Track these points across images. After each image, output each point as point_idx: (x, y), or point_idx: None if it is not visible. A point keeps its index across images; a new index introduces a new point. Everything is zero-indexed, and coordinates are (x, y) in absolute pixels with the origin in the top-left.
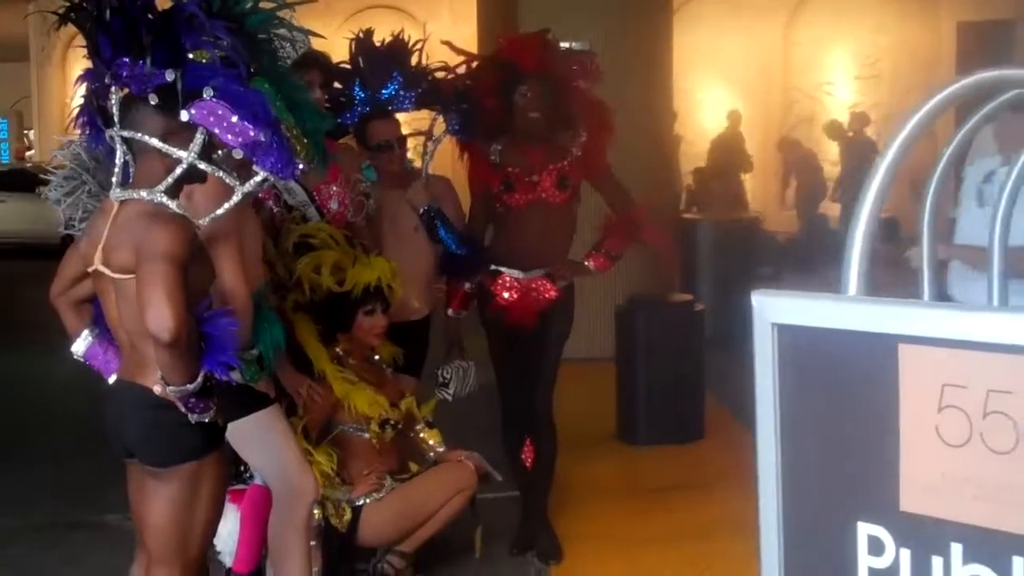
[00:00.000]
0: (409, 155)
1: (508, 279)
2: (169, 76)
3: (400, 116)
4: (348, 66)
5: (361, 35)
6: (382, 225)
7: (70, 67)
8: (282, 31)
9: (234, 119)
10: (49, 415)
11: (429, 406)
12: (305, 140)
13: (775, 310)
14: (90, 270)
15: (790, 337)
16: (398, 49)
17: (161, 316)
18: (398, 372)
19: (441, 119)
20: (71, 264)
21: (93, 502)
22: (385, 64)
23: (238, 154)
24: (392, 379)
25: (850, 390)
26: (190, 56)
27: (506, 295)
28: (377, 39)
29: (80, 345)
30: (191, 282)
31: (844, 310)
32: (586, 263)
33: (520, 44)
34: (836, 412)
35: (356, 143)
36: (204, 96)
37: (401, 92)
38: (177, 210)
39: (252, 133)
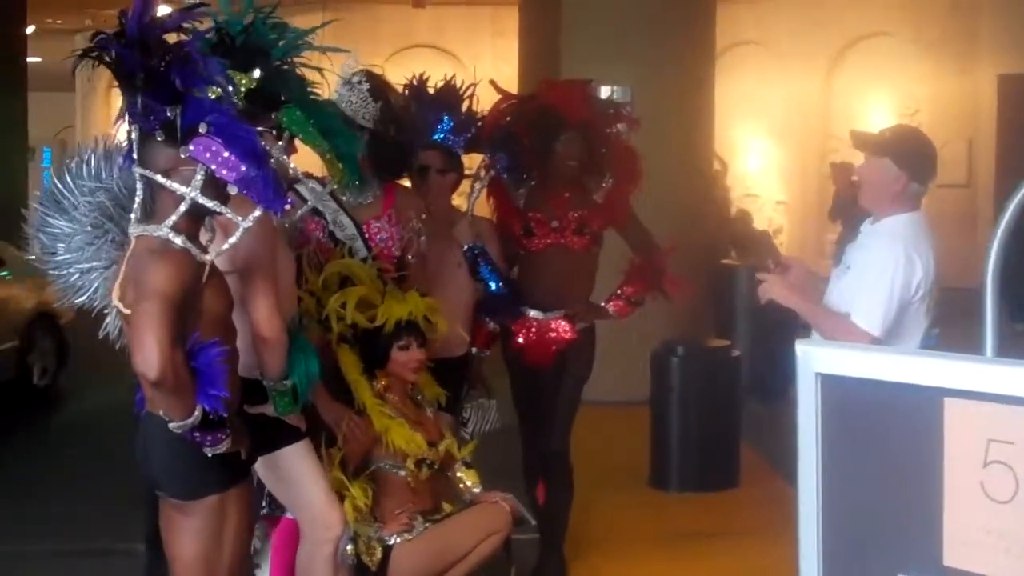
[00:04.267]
0: (455, 200)
1: (527, 319)
2: (169, 113)
3: None
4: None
5: (415, 82)
6: (428, 261)
7: (114, 99)
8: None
9: (226, 154)
10: (70, 443)
11: (469, 447)
12: (340, 165)
13: (819, 360)
14: (111, 306)
15: (834, 387)
16: (450, 95)
17: (146, 355)
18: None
19: (489, 160)
20: None
21: (107, 531)
22: (436, 110)
23: (232, 189)
24: (432, 419)
25: (894, 442)
26: (191, 92)
27: (524, 335)
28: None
29: None
30: (196, 315)
31: (889, 362)
32: (606, 306)
33: (563, 92)
34: (879, 464)
35: (410, 178)
36: (200, 131)
37: (451, 136)
38: (181, 244)
39: (244, 168)
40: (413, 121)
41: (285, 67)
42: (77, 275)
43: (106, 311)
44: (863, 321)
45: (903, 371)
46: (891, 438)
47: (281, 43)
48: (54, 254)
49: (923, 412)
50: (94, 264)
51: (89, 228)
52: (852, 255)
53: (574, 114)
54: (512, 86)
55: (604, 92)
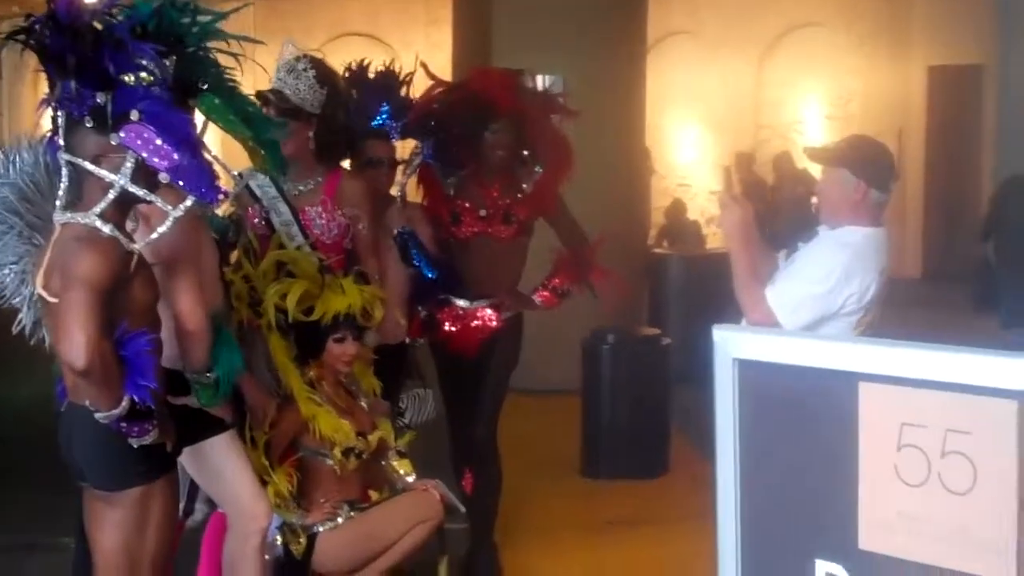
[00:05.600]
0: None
1: (453, 308)
2: (100, 99)
3: None
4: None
5: (355, 67)
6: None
7: (42, 86)
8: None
9: (159, 142)
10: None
11: (406, 437)
12: (262, 152)
13: (737, 345)
14: (35, 295)
15: (751, 373)
16: (389, 81)
17: (74, 344)
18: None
19: (419, 147)
20: None
21: (51, 525)
22: (376, 96)
23: (164, 177)
24: (365, 409)
25: (811, 427)
26: (121, 78)
27: (449, 323)
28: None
29: None
30: (123, 305)
31: (806, 347)
32: (533, 297)
33: (494, 81)
34: (796, 448)
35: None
36: (132, 118)
37: (390, 122)
38: (109, 233)
39: (176, 156)
40: (357, 106)
41: (201, 53)
42: None
43: (15, 304)
44: (774, 303)
45: (820, 356)
46: (808, 423)
47: (195, 29)
48: None
49: (839, 397)
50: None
51: None
52: (803, 251)
53: (504, 103)
54: (446, 75)
55: (539, 82)
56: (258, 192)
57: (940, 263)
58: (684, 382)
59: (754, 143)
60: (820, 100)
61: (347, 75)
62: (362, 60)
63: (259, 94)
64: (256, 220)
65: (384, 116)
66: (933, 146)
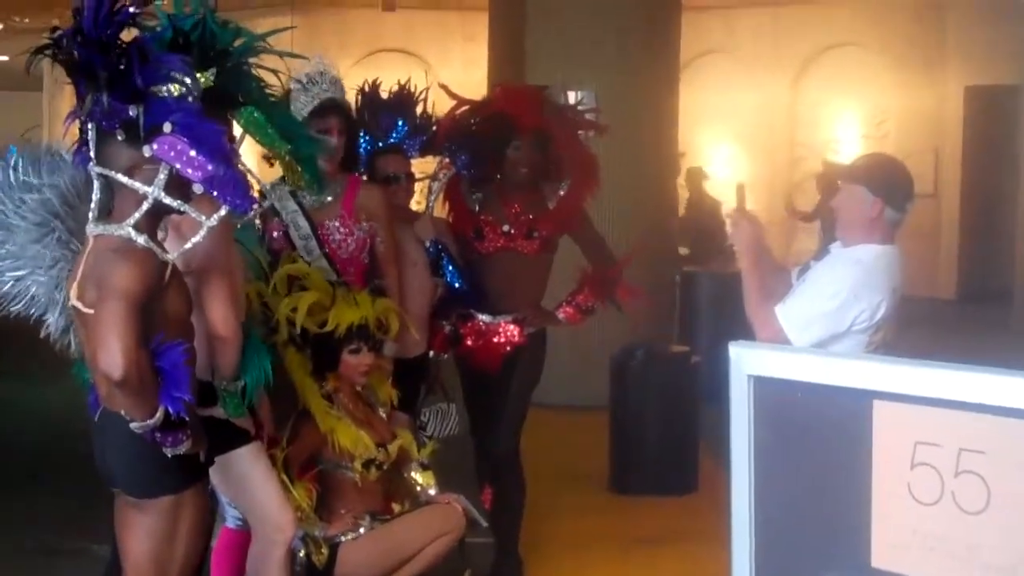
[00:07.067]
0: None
1: (475, 322)
2: (132, 112)
3: None
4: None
5: (367, 87)
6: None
7: None
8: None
9: (192, 153)
10: (44, 442)
11: (428, 449)
12: (299, 168)
13: (752, 362)
14: (69, 304)
15: (766, 389)
16: (403, 99)
17: (111, 355)
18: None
19: (447, 161)
20: None
21: (80, 530)
22: (390, 115)
23: (198, 188)
24: (383, 421)
25: (824, 444)
26: (151, 90)
27: (471, 339)
28: (386, 86)
29: None
30: (159, 315)
31: (821, 364)
32: (557, 313)
33: (516, 98)
34: (810, 465)
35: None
36: (164, 130)
37: (406, 140)
38: (144, 244)
39: (210, 167)
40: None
41: (243, 67)
42: (10, 283)
43: (44, 317)
44: (784, 320)
45: (834, 374)
46: (822, 440)
47: (238, 43)
48: None
49: (853, 414)
50: (26, 272)
51: (34, 226)
52: (814, 269)
53: (527, 120)
54: (482, 91)
55: (571, 98)
56: (277, 206)
57: (975, 285)
58: (713, 400)
59: (789, 161)
60: (855, 119)
61: (360, 95)
62: (375, 79)
63: (331, 104)
64: (275, 234)
65: (401, 133)
66: (969, 166)
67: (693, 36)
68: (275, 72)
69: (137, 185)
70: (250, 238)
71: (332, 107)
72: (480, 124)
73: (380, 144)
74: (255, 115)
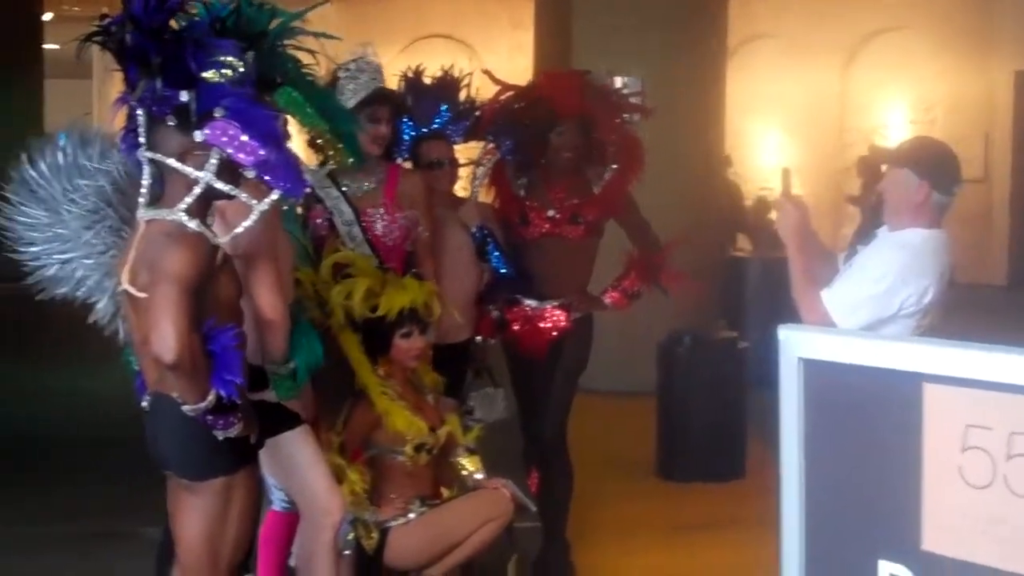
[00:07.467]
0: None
1: (522, 308)
2: (183, 97)
3: None
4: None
5: (410, 73)
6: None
7: None
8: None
9: (244, 138)
10: (93, 428)
11: (473, 433)
12: (340, 145)
13: (801, 344)
14: (119, 289)
15: (816, 372)
16: (447, 85)
17: (164, 338)
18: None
19: (491, 147)
20: None
21: (131, 514)
22: (434, 100)
23: (250, 173)
24: (432, 406)
25: (874, 427)
26: (204, 76)
27: (517, 324)
28: (430, 72)
29: None
30: (210, 299)
31: (871, 347)
32: (603, 298)
33: (558, 83)
34: (860, 449)
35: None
36: (216, 116)
37: (450, 125)
38: (196, 228)
39: (262, 152)
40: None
41: (279, 48)
42: (57, 266)
43: (92, 301)
44: (831, 304)
45: (884, 356)
46: (872, 423)
47: (274, 23)
48: (32, 244)
49: (903, 397)
50: (75, 255)
51: (86, 212)
52: (862, 253)
53: (568, 105)
54: (527, 78)
55: (617, 83)
56: (320, 193)
57: None
58: (762, 386)
59: (839, 147)
60: (904, 104)
61: (403, 80)
62: (419, 65)
63: (380, 93)
64: (319, 221)
65: (444, 118)
66: (1019, 151)
67: (741, 21)
68: (312, 52)
69: (188, 170)
70: (293, 225)
71: (382, 96)
72: (523, 109)
73: (424, 130)
74: (293, 95)
